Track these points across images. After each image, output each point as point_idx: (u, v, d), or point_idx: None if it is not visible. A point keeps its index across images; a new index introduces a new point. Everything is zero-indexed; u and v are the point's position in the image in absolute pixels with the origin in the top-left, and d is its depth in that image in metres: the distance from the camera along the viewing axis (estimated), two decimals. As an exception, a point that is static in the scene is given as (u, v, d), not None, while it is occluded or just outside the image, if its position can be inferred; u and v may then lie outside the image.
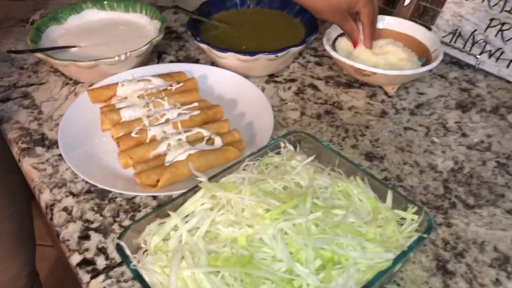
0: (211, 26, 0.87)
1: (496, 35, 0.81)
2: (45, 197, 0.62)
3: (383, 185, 0.53)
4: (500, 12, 0.80)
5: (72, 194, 0.62)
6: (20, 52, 0.82)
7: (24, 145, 0.70)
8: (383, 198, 0.53)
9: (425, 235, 0.48)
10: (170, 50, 0.91)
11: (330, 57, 0.77)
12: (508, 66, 0.80)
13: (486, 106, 0.77)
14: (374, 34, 0.80)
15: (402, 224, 0.51)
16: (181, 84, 0.74)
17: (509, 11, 0.80)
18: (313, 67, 0.86)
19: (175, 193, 0.60)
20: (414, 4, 0.90)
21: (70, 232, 0.58)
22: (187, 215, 0.52)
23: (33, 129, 0.73)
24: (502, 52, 0.81)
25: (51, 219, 0.60)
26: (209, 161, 0.62)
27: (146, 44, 0.78)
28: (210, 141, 0.65)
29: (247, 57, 0.76)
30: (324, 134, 0.72)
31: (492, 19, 0.82)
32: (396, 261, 0.45)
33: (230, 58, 0.77)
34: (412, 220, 0.50)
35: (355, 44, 0.81)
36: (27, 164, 0.67)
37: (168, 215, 0.51)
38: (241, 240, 0.47)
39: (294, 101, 0.78)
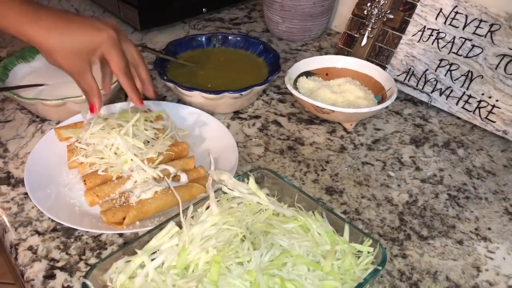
0: (177, 65, 0.90)
1: (445, 75, 0.87)
2: (9, 237, 0.62)
3: (340, 219, 0.56)
4: (448, 53, 0.87)
5: (38, 232, 0.63)
6: (-14, 90, 0.83)
7: (-12, 184, 0.70)
8: (341, 232, 0.56)
9: (379, 267, 0.51)
10: (137, 88, 0.93)
11: (292, 95, 0.81)
12: (457, 103, 0.86)
13: (438, 141, 0.82)
14: (148, 90, 0.71)
15: (359, 257, 0.54)
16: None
17: (456, 53, 0.86)
18: (276, 104, 0.90)
19: (141, 230, 0.61)
20: (370, 44, 0.96)
21: (35, 271, 0.58)
22: (154, 252, 0.53)
23: (-2, 167, 0.73)
24: (452, 90, 0.87)
25: (16, 258, 0.60)
26: (174, 198, 0.64)
27: (113, 83, 0.80)
28: (176, 177, 0.67)
29: (212, 96, 0.79)
30: (287, 169, 0.75)
31: (441, 60, 0.88)
32: (352, 293, 0.48)
33: (196, 96, 0.80)
34: (368, 252, 0.53)
35: (91, 108, 0.65)
36: (-9, 203, 0.67)
37: (134, 253, 0.52)
38: (213, 274, 0.49)
39: (259, 137, 0.81)
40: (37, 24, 0.58)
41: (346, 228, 0.55)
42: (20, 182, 0.70)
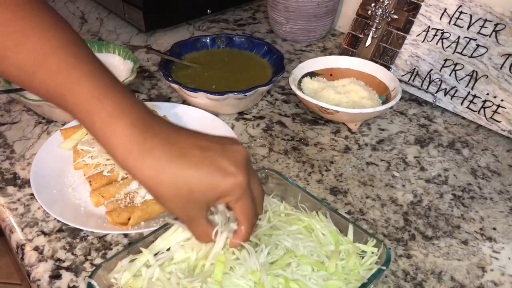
0: (182, 66, 0.90)
1: (450, 75, 0.87)
2: (16, 237, 0.63)
3: (344, 219, 0.56)
4: (453, 53, 0.87)
5: (44, 233, 0.63)
6: (-7, 92, 0.84)
7: (-5, 185, 0.71)
8: (345, 232, 0.56)
9: (384, 267, 0.51)
10: (142, 89, 0.94)
11: (297, 95, 0.81)
12: (462, 103, 0.86)
13: (443, 141, 0.82)
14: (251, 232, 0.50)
15: (363, 257, 0.54)
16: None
17: (460, 53, 0.86)
18: (280, 105, 0.90)
19: (146, 230, 0.61)
20: (374, 45, 0.96)
21: (41, 271, 0.58)
22: (158, 252, 0.53)
23: (5, 168, 0.74)
24: (456, 90, 0.86)
25: (22, 258, 0.61)
26: (179, 198, 0.64)
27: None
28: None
29: (217, 96, 0.79)
30: (291, 169, 0.75)
31: (446, 60, 0.87)
32: (356, 293, 0.48)
33: (201, 97, 0.80)
34: (372, 253, 0.53)
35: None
36: (-2, 204, 0.68)
37: (139, 253, 0.52)
38: (218, 274, 0.49)
39: (263, 138, 0.81)
40: (150, 156, 0.43)
41: (350, 228, 0.55)
42: (26, 183, 0.71)
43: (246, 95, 0.80)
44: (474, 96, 0.84)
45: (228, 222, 0.51)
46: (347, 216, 0.66)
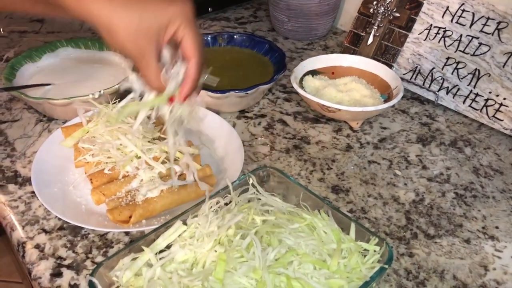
0: (183, 64, 0.90)
1: (452, 73, 0.87)
2: (17, 235, 0.63)
3: (346, 217, 0.56)
4: (455, 52, 0.86)
5: (45, 231, 0.63)
6: (-6, 90, 0.83)
7: (-4, 183, 0.70)
8: (347, 230, 0.56)
9: (386, 266, 0.50)
10: (143, 87, 0.93)
11: (298, 94, 0.81)
12: (464, 101, 0.86)
13: (445, 139, 0.82)
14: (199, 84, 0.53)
15: (365, 255, 0.54)
16: (153, 120, 0.76)
17: (463, 51, 0.85)
18: (282, 103, 0.90)
19: (148, 228, 0.61)
20: (376, 43, 0.96)
21: (42, 269, 0.58)
22: (160, 251, 0.53)
23: (5, 166, 0.74)
24: (459, 89, 0.86)
25: (23, 256, 0.61)
26: (180, 197, 0.64)
27: (120, 82, 0.80)
28: (182, 176, 0.67)
29: (218, 95, 0.79)
30: (293, 168, 0.75)
31: (448, 58, 0.87)
32: (358, 291, 0.48)
33: (202, 95, 0.80)
34: (374, 251, 0.53)
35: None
36: (-1, 202, 0.68)
37: (141, 251, 0.52)
38: (219, 272, 0.49)
39: (264, 136, 0.81)
40: None
41: (352, 226, 0.55)
42: (27, 181, 0.70)
43: (247, 94, 0.80)
44: (477, 94, 0.84)
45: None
46: (349, 214, 0.66)
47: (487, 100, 0.83)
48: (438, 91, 0.88)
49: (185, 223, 0.55)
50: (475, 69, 0.84)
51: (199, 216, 0.55)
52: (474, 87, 0.84)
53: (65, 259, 0.59)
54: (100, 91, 0.78)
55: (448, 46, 0.87)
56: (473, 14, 0.84)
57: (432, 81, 0.89)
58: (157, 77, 0.50)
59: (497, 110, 0.82)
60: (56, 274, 0.58)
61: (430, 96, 0.90)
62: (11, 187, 0.70)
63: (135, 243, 0.53)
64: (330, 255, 0.51)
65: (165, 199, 0.63)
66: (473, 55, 0.84)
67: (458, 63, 0.86)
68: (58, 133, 0.74)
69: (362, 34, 0.98)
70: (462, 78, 0.86)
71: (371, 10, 0.96)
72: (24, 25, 1.13)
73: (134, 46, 0.47)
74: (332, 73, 0.90)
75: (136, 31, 0.46)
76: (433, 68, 0.89)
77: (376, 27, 0.95)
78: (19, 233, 0.63)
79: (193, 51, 0.50)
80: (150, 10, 0.46)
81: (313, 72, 0.89)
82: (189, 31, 0.48)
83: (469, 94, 0.85)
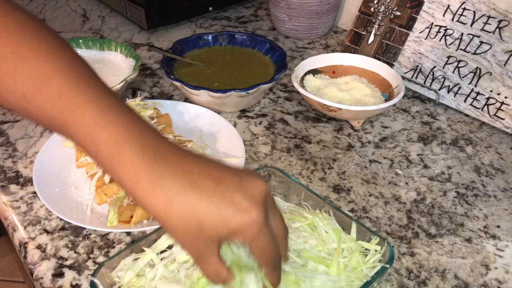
0: (184, 64, 0.90)
1: (453, 72, 0.87)
2: (19, 235, 0.63)
3: (347, 217, 0.56)
4: (456, 50, 0.86)
5: (46, 231, 0.63)
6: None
7: (-2, 183, 0.71)
8: (348, 230, 0.56)
9: (387, 265, 0.51)
10: (144, 87, 0.94)
11: (299, 93, 0.81)
12: (465, 100, 0.86)
13: (446, 138, 0.82)
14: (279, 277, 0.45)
15: (366, 255, 0.54)
16: (154, 120, 0.76)
17: (464, 50, 0.85)
18: (283, 102, 0.90)
19: (149, 228, 0.61)
20: (377, 42, 0.95)
21: (44, 269, 0.58)
22: (161, 252, 0.53)
23: (7, 166, 0.74)
24: (460, 88, 0.86)
25: (25, 257, 0.61)
26: (182, 197, 0.64)
27: (120, 82, 0.80)
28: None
29: (219, 94, 0.79)
30: (294, 167, 0.75)
31: (449, 57, 0.87)
32: (360, 291, 0.48)
33: (203, 95, 0.80)
34: (376, 251, 0.53)
35: None
36: (0, 202, 0.68)
37: (142, 251, 0.52)
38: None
39: (265, 136, 0.81)
40: (160, 186, 0.39)
41: (353, 226, 0.55)
42: (29, 181, 0.70)
43: (248, 93, 0.80)
44: (478, 93, 0.84)
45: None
46: (350, 214, 0.66)
47: (488, 98, 0.83)
48: (439, 90, 0.88)
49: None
50: (476, 68, 0.84)
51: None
52: (475, 85, 0.84)
53: (66, 260, 0.59)
54: (101, 91, 0.78)
55: (449, 44, 0.87)
56: (474, 12, 0.84)
57: (433, 80, 0.89)
58: (218, 274, 0.43)
59: (499, 108, 0.82)
60: (58, 274, 0.58)
61: (431, 95, 0.90)
62: (13, 187, 0.70)
63: (137, 243, 0.53)
64: (331, 255, 0.52)
65: (167, 199, 0.63)
66: (474, 53, 0.84)
67: (459, 61, 0.86)
68: (59, 133, 0.74)
69: (363, 33, 0.98)
70: (463, 77, 0.86)
71: (372, 9, 0.96)
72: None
73: (192, 247, 0.42)
74: (333, 72, 0.90)
75: (194, 237, 0.41)
76: (434, 67, 0.89)
77: (377, 26, 0.95)
78: (21, 234, 0.63)
79: (261, 262, 0.44)
80: (214, 215, 0.40)
81: (314, 71, 0.89)
82: (257, 244, 0.42)
83: (470, 93, 0.85)
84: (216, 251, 0.42)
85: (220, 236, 0.41)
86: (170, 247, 0.54)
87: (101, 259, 0.59)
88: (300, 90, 0.80)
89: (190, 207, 0.40)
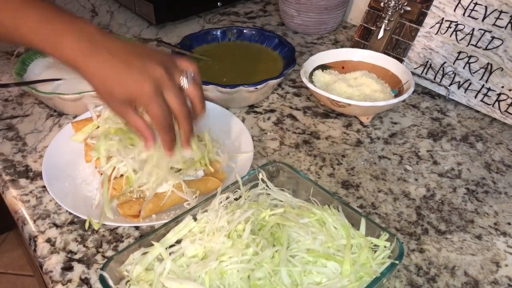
0: (192, 59, 0.89)
1: (464, 67, 0.86)
2: (28, 229, 0.63)
3: (356, 213, 0.56)
4: (467, 46, 0.85)
5: (56, 225, 0.63)
6: (5, 85, 0.84)
7: (8, 177, 0.71)
8: (357, 226, 0.55)
9: (396, 262, 0.50)
10: (153, 82, 0.93)
11: (308, 88, 0.80)
12: (476, 96, 0.85)
13: (456, 134, 0.81)
14: (190, 138, 0.60)
15: (376, 251, 0.53)
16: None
17: (475, 45, 0.84)
18: (291, 98, 0.89)
19: (158, 223, 0.61)
20: (387, 37, 0.95)
21: (53, 263, 0.59)
22: (170, 246, 0.53)
23: (17, 161, 0.74)
24: (470, 83, 0.85)
25: (35, 250, 0.61)
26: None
27: (129, 77, 0.80)
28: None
29: (228, 89, 0.79)
30: (302, 163, 0.74)
31: (460, 52, 0.86)
32: (369, 287, 0.48)
33: (211, 90, 0.80)
34: (385, 247, 0.53)
35: (146, 145, 0.58)
36: (10, 196, 0.68)
37: (151, 245, 0.52)
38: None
39: (274, 131, 0.81)
40: (91, 58, 0.53)
41: (363, 222, 0.55)
42: (38, 175, 0.71)
43: (257, 88, 0.79)
44: (489, 89, 0.83)
45: None
46: (359, 210, 0.66)
47: (499, 94, 0.82)
48: (449, 86, 0.87)
49: (195, 218, 0.55)
50: (488, 63, 0.83)
51: (209, 211, 0.55)
52: (486, 81, 0.83)
53: (75, 253, 0.60)
54: (110, 86, 0.78)
55: (460, 40, 0.86)
56: (486, 7, 0.83)
57: (443, 75, 0.88)
58: (138, 121, 0.56)
59: (510, 105, 0.81)
60: (67, 268, 0.58)
61: (441, 91, 0.89)
62: (23, 181, 0.70)
63: (145, 237, 0.53)
64: (339, 250, 0.51)
65: (175, 194, 0.63)
66: (486, 49, 0.83)
67: (470, 57, 0.85)
68: (68, 127, 0.75)
69: (372, 28, 0.97)
70: (474, 73, 0.85)
71: (382, 4, 0.95)
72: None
73: (114, 105, 0.56)
74: (342, 67, 0.90)
75: (109, 97, 0.55)
76: (445, 62, 0.88)
77: (386, 21, 0.94)
78: (30, 227, 0.63)
79: (155, 126, 0.56)
80: (119, 85, 0.53)
81: (323, 67, 0.89)
82: (150, 111, 0.54)
83: (481, 89, 0.84)
84: (130, 110, 0.55)
85: (124, 99, 0.54)
86: (178, 241, 0.54)
87: (109, 253, 0.60)
88: (309, 85, 0.79)
89: (107, 80, 0.53)
